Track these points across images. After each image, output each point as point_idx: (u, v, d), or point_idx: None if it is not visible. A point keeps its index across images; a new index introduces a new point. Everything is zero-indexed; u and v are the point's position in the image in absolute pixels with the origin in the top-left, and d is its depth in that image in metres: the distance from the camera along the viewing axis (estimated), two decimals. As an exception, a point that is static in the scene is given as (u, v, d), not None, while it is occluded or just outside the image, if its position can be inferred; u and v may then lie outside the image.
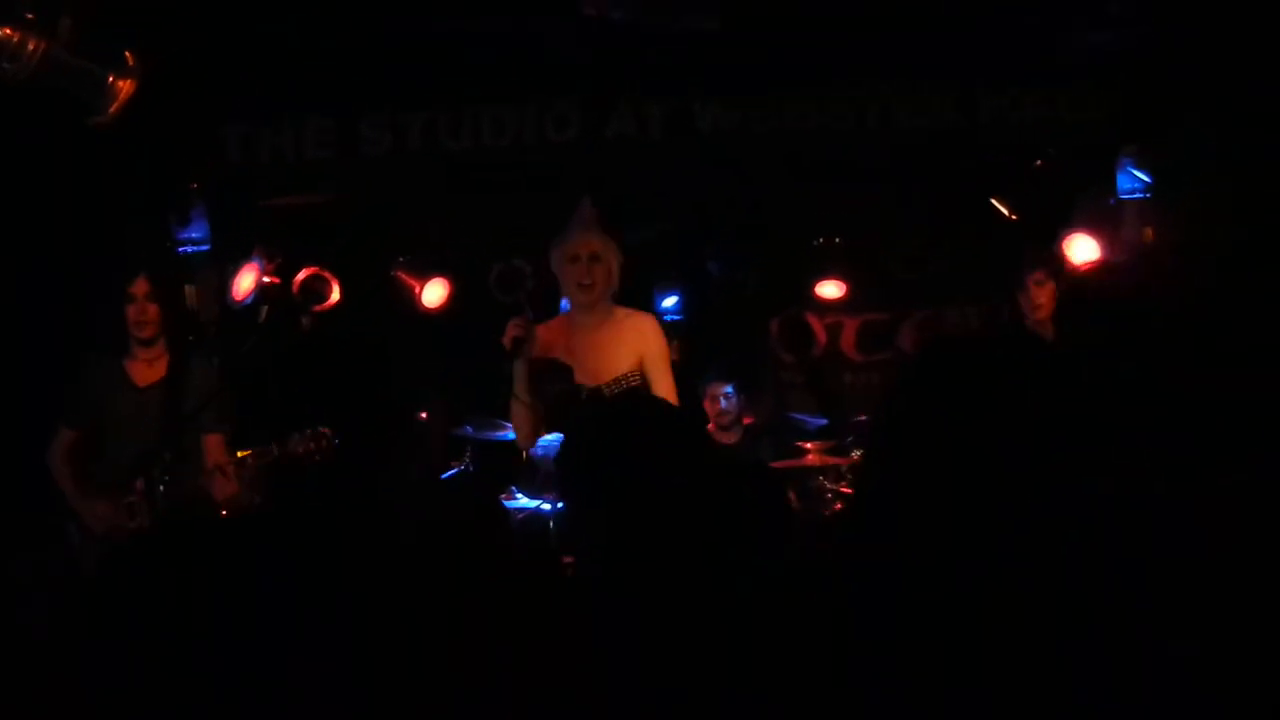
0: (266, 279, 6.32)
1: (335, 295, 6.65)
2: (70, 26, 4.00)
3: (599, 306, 4.39)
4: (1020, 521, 1.59)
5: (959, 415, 1.57)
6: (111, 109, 4.21)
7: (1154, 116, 6.13)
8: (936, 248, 7.17)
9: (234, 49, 5.67)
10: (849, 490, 5.89)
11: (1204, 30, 5.59)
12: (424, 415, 6.25)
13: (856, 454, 6.09)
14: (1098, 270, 6.40)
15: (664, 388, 4.35)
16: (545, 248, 4.57)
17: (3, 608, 4.05)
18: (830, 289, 7.44)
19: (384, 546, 1.96)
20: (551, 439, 4.60)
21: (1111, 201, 6.41)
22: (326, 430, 4.65)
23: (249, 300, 6.23)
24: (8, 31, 3.82)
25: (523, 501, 5.62)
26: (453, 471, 6.23)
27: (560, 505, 4.98)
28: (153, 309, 4.64)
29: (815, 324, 7.84)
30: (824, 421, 6.91)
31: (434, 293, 6.90)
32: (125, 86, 4.23)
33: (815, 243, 7.38)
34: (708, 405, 6.64)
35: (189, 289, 5.86)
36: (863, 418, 6.41)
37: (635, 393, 4.27)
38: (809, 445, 6.22)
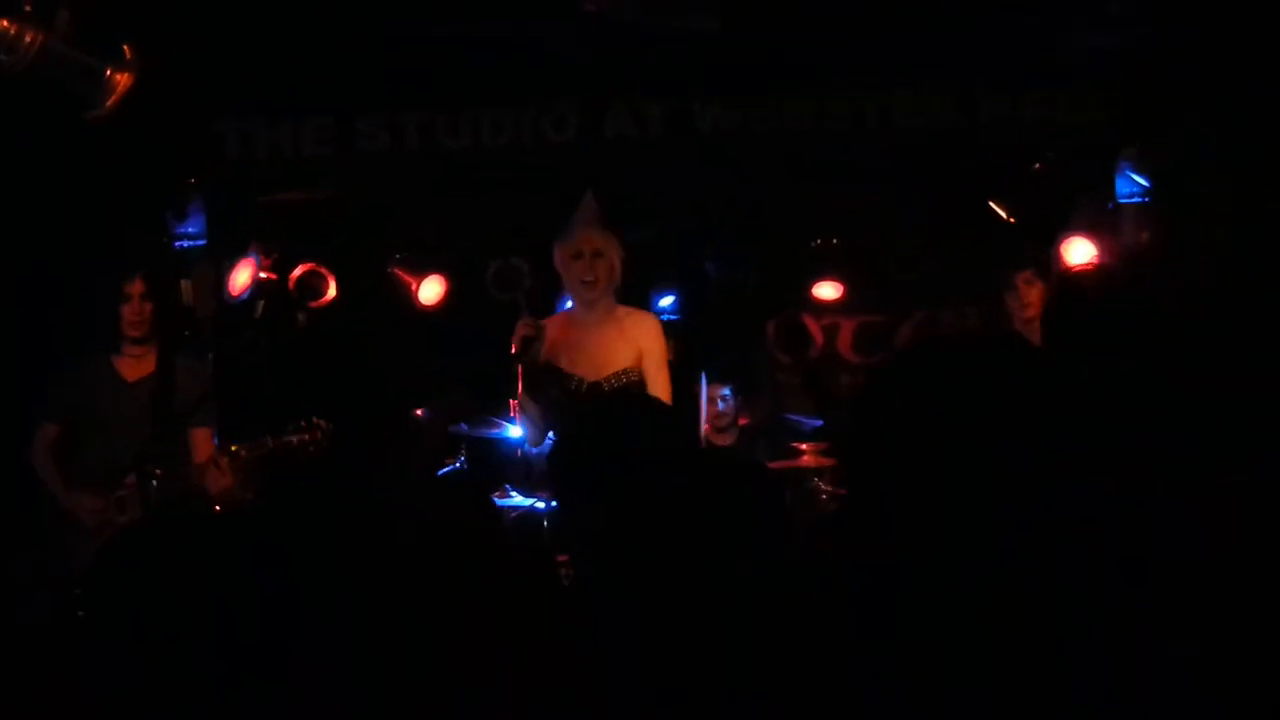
0: (263, 274, 6.31)
1: (331, 291, 6.65)
2: (68, 19, 3.98)
3: (601, 303, 4.43)
4: (1019, 521, 1.58)
5: (946, 415, 1.57)
6: (109, 103, 4.20)
7: (1153, 117, 6.13)
8: (934, 249, 7.17)
9: (233, 44, 5.66)
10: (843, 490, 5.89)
11: (1204, 31, 5.59)
12: (420, 412, 6.23)
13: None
14: (1092, 271, 6.40)
15: (660, 387, 4.39)
16: (549, 245, 4.59)
17: (3, 608, 4.05)
18: (827, 290, 7.44)
19: (380, 544, 1.95)
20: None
21: (1110, 206, 6.41)
22: (321, 421, 4.64)
23: (245, 295, 6.23)
24: (5, 23, 3.80)
25: (517, 500, 5.60)
26: (447, 469, 6.22)
27: (554, 504, 4.97)
28: (148, 308, 4.64)
29: (812, 325, 7.84)
30: (820, 423, 6.91)
31: (430, 290, 6.89)
32: (123, 80, 4.21)
33: (813, 244, 7.37)
34: (708, 407, 6.63)
35: (185, 284, 5.86)
36: None
37: (631, 390, 4.28)
38: (805, 446, 6.22)
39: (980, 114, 6.39)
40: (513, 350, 4.40)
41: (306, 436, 4.63)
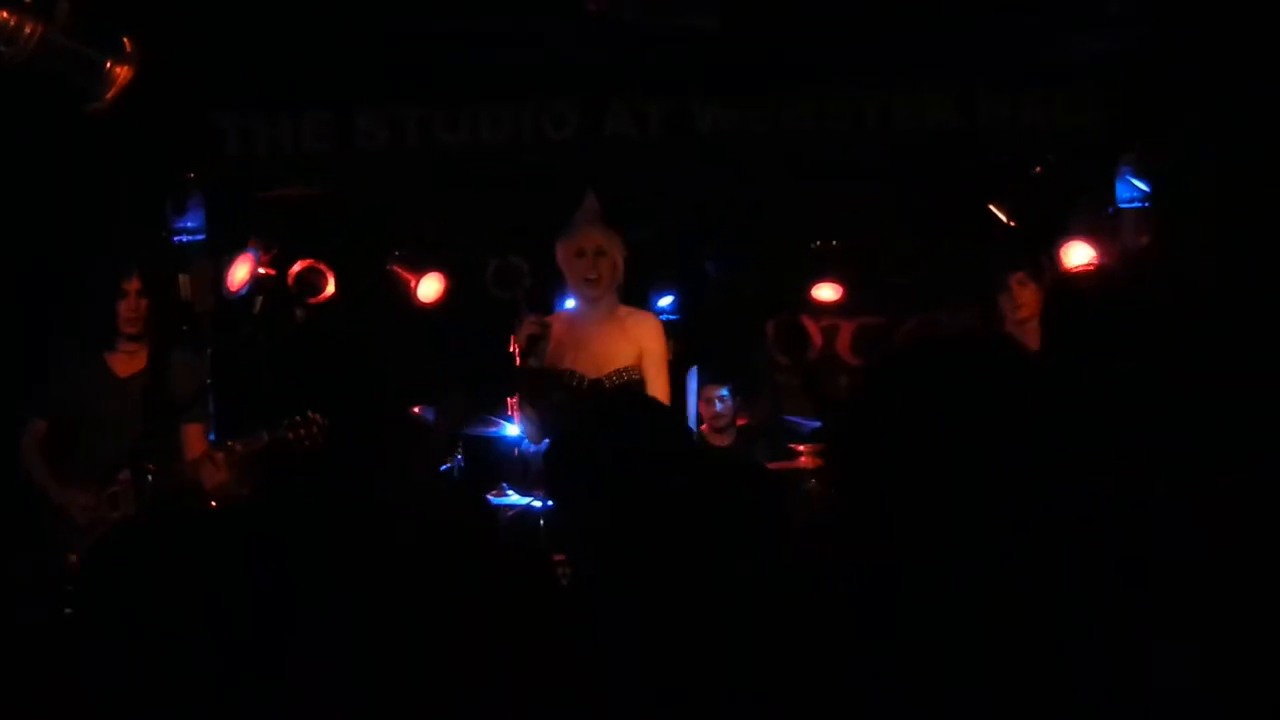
0: (262, 270, 6.31)
1: (330, 288, 6.64)
2: (68, 10, 3.97)
3: (604, 301, 4.46)
4: (1017, 521, 1.57)
5: (937, 415, 1.56)
6: (108, 95, 4.19)
7: (1153, 119, 6.13)
8: (934, 252, 7.16)
9: (233, 39, 5.65)
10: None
11: (1203, 33, 5.59)
12: (417, 410, 6.22)
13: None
14: (1092, 273, 6.40)
15: (659, 387, 4.41)
16: (548, 243, 4.60)
17: (3, 608, 4.03)
18: (827, 292, 7.43)
19: (377, 541, 1.95)
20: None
21: (1110, 210, 6.41)
22: (316, 416, 4.64)
23: (244, 291, 6.22)
24: (4, 14, 3.79)
25: (513, 498, 5.60)
26: (443, 468, 6.21)
27: (550, 503, 4.97)
28: (143, 304, 4.63)
29: (811, 327, 7.84)
30: (819, 424, 6.90)
31: (429, 287, 6.88)
32: (123, 73, 4.20)
33: (813, 245, 7.37)
34: (702, 407, 6.62)
35: (184, 279, 5.85)
36: None
37: (631, 389, 4.30)
38: (803, 448, 6.21)
39: (980, 115, 6.39)
40: (519, 348, 4.42)
41: (302, 431, 4.63)
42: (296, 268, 6.60)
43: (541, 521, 5.31)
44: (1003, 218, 6.74)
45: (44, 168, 5.47)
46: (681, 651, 1.78)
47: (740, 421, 6.81)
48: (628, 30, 5.69)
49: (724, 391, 6.65)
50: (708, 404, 6.62)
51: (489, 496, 5.67)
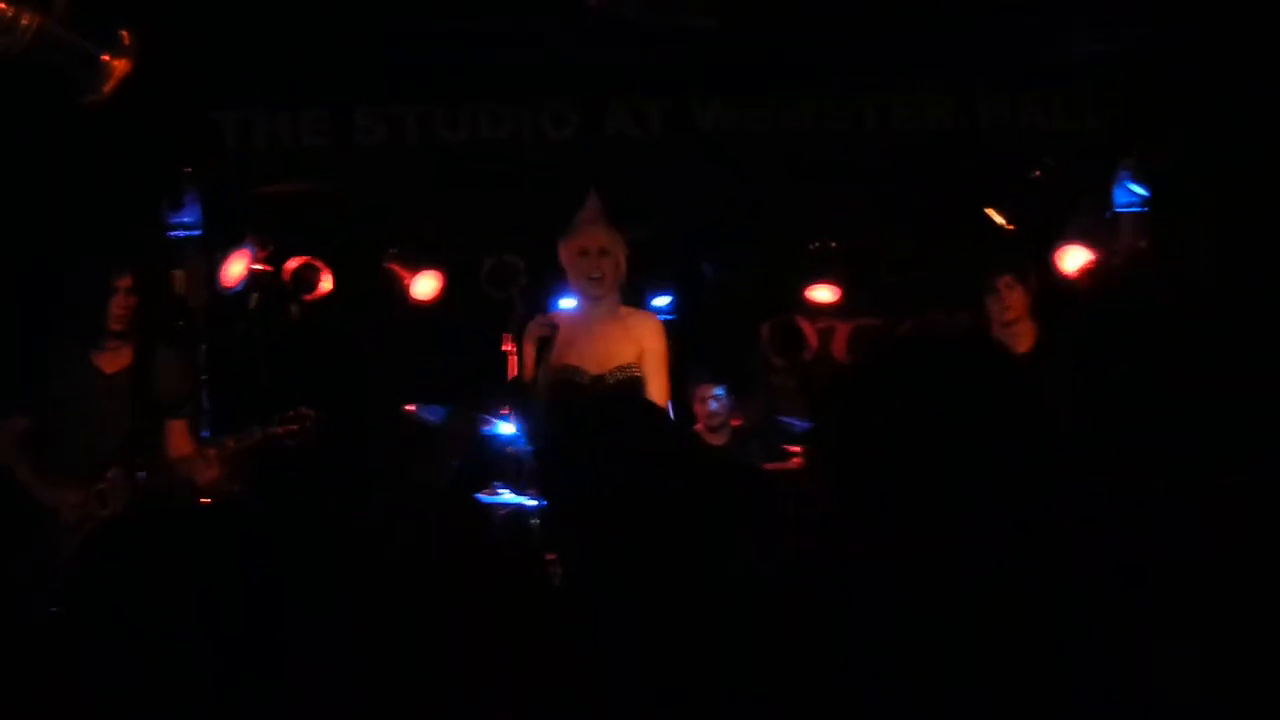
0: (258, 266, 6.29)
1: (326, 285, 6.63)
2: (65, 3, 3.97)
3: (607, 300, 4.50)
4: (1017, 521, 1.56)
5: (932, 414, 1.55)
6: (105, 88, 4.18)
7: (1151, 122, 6.13)
8: (931, 253, 7.15)
9: (233, 33, 5.63)
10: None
11: (1202, 35, 5.60)
12: (411, 408, 6.20)
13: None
14: (1089, 276, 6.40)
15: (658, 386, 4.44)
16: (545, 242, 4.61)
17: (3, 608, 4.01)
18: (823, 293, 7.42)
19: (371, 539, 1.94)
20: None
21: (1108, 214, 6.41)
22: (307, 411, 4.62)
23: (239, 287, 6.21)
24: (1, 6, 3.78)
25: (506, 497, 5.59)
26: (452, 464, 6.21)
27: (543, 501, 4.97)
28: (132, 302, 4.61)
29: (807, 328, 7.83)
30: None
31: (425, 285, 6.87)
32: (120, 66, 4.20)
33: (810, 246, 7.36)
34: (697, 407, 6.62)
35: (179, 274, 5.83)
36: None
37: (631, 386, 4.32)
38: (797, 449, 6.20)
39: (979, 117, 6.39)
40: (530, 351, 4.43)
41: (294, 427, 4.61)
42: (292, 264, 6.58)
43: (534, 521, 5.31)
44: (999, 221, 6.73)
45: (39, 162, 5.45)
46: (676, 652, 1.78)
47: (735, 422, 6.80)
48: (627, 30, 5.69)
49: (719, 391, 6.64)
50: (703, 404, 6.61)
51: (482, 495, 5.66)
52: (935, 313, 7.36)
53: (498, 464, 5.81)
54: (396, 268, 6.86)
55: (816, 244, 7.32)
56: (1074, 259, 6.41)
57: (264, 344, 6.34)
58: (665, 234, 7.00)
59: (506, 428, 5.62)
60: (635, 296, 5.94)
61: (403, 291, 6.85)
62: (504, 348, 6.19)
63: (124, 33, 4.20)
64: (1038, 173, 6.57)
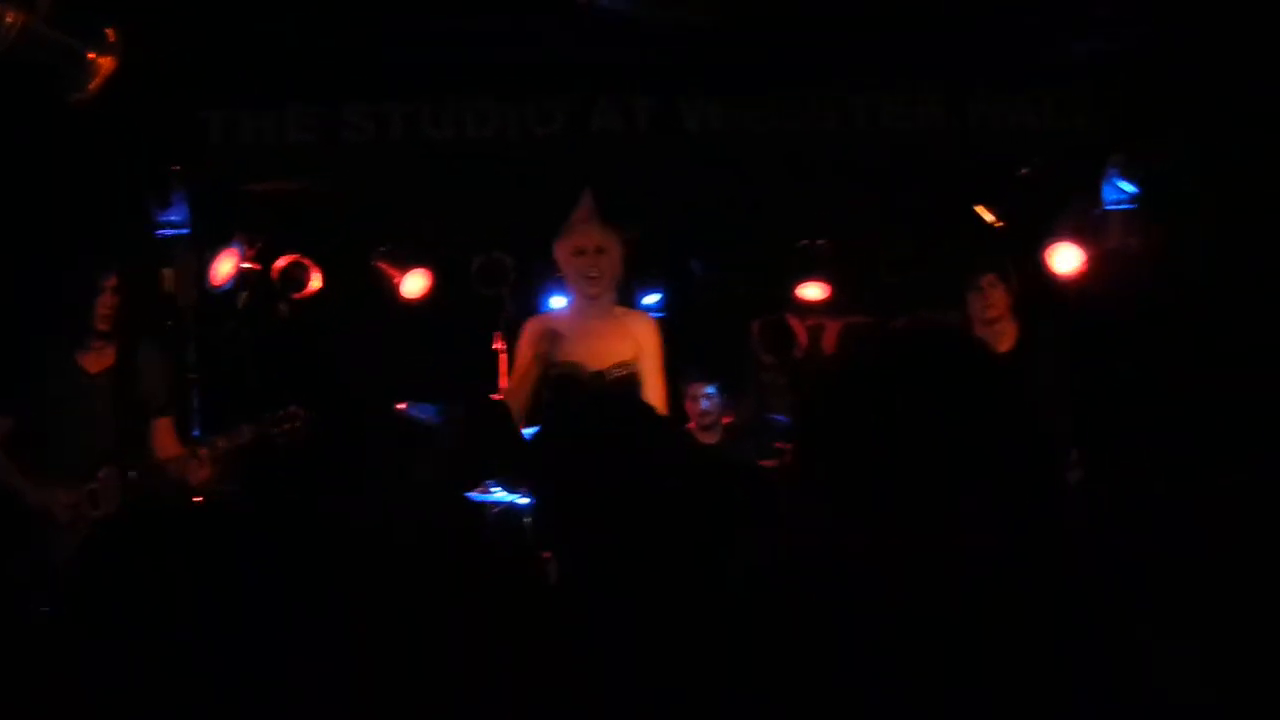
0: (246, 264, 6.27)
1: (315, 283, 6.61)
2: (50, 1, 3.94)
3: (604, 298, 4.51)
4: (1017, 521, 1.56)
5: (923, 412, 1.54)
6: (91, 86, 4.16)
7: (1143, 121, 6.14)
8: (921, 251, 7.16)
9: (220, 31, 5.61)
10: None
11: (1193, 35, 5.61)
12: (401, 406, 6.19)
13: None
14: (1079, 276, 6.41)
15: (655, 385, 4.48)
16: (534, 240, 4.61)
17: (2, 608, 3.99)
18: (813, 291, 7.42)
19: (363, 538, 1.93)
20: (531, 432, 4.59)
21: (1098, 212, 6.42)
22: (299, 410, 4.62)
23: (228, 286, 6.19)
24: (-13, 4, 3.75)
25: (499, 495, 5.57)
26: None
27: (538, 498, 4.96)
28: (117, 301, 4.59)
29: (797, 325, 7.82)
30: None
31: (414, 283, 6.85)
32: (106, 64, 4.18)
33: (800, 244, 7.36)
34: (689, 405, 6.62)
35: (167, 273, 5.81)
36: None
37: (629, 382, 4.35)
38: (788, 446, 6.20)
39: (970, 116, 6.39)
40: (537, 358, 4.44)
41: (285, 426, 4.61)
42: (281, 262, 6.57)
43: (527, 519, 5.29)
44: (989, 218, 6.74)
45: (24, 161, 5.42)
46: (673, 651, 1.77)
47: (726, 420, 6.81)
48: (616, 27, 5.68)
49: (711, 389, 6.64)
50: (694, 402, 6.62)
51: (474, 494, 5.65)
52: (925, 311, 7.38)
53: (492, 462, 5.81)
54: (385, 266, 6.84)
55: (806, 241, 7.32)
56: (1064, 256, 6.43)
57: (253, 342, 6.32)
58: (654, 232, 6.99)
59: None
60: (624, 294, 5.94)
61: (392, 289, 6.83)
62: (494, 346, 6.19)
63: (109, 30, 4.18)
64: (1025, 170, 6.58)
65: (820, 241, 7.33)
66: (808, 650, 1.59)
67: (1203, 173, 5.88)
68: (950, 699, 1.46)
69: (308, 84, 6.11)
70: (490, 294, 6.81)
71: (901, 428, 1.55)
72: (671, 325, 7.03)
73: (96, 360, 4.63)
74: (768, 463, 6.10)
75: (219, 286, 6.15)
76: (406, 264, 6.84)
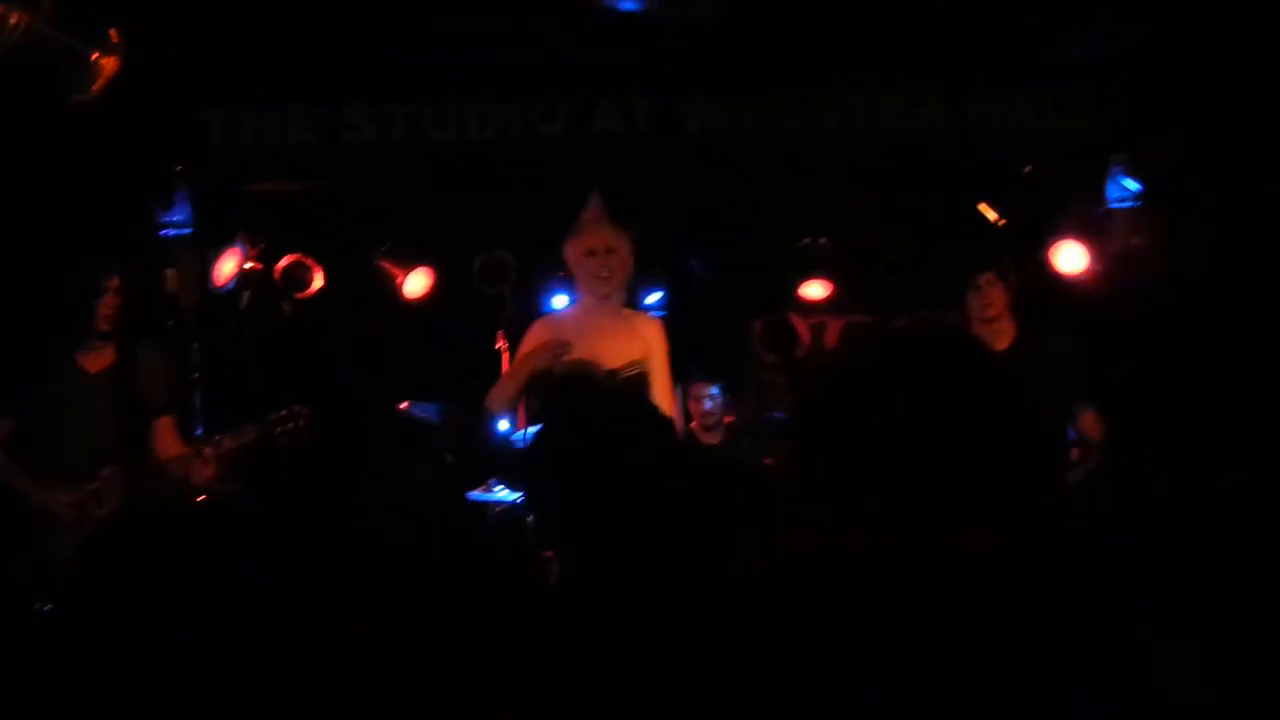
0: (249, 264, 6.28)
1: (317, 282, 6.62)
2: (53, 1, 3.94)
3: (614, 298, 4.52)
4: (1018, 521, 1.56)
5: (924, 412, 1.54)
6: (94, 87, 4.16)
7: (1145, 121, 6.14)
8: (922, 251, 7.16)
9: (222, 31, 5.61)
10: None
11: (1194, 34, 5.61)
12: (404, 405, 6.20)
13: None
14: (1083, 275, 6.41)
15: (663, 385, 4.49)
16: (536, 239, 4.62)
17: (4, 607, 3.99)
18: (815, 289, 7.43)
19: (369, 539, 1.94)
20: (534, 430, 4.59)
21: (1101, 210, 6.42)
22: (302, 410, 4.62)
23: (230, 285, 6.20)
24: (-10, 5, 3.76)
25: (501, 494, 5.58)
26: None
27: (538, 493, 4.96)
28: (119, 302, 4.59)
29: (799, 324, 7.83)
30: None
31: (416, 282, 6.86)
32: (109, 64, 4.18)
33: (801, 243, 7.36)
34: (691, 405, 6.62)
35: (170, 273, 5.81)
36: None
37: (644, 382, 4.38)
38: (787, 445, 6.20)
39: (970, 116, 6.39)
40: (547, 363, 4.46)
41: (289, 425, 4.60)
42: (283, 262, 6.57)
43: (530, 518, 5.30)
44: (992, 216, 6.74)
45: (27, 162, 5.43)
46: (674, 650, 1.77)
47: (728, 419, 6.81)
48: (618, 27, 5.68)
49: (714, 390, 6.65)
50: (697, 402, 6.62)
51: (476, 493, 5.66)
52: (926, 310, 7.38)
53: (493, 460, 5.82)
54: (387, 265, 6.85)
55: (807, 241, 7.32)
56: (1067, 255, 6.42)
57: (255, 342, 6.33)
58: (656, 231, 6.99)
59: (502, 424, 5.61)
60: (628, 294, 5.94)
61: (394, 289, 6.84)
62: (496, 345, 6.19)
63: (112, 31, 4.18)
64: (1028, 169, 6.58)
65: (821, 241, 7.33)
66: (808, 650, 1.59)
67: (1204, 171, 5.88)
68: (950, 699, 1.47)
69: (310, 85, 6.11)
70: (492, 293, 6.81)
71: (900, 427, 1.55)
72: (673, 325, 7.05)
73: (96, 360, 4.63)
74: (768, 461, 6.11)
75: (221, 286, 6.15)
76: (408, 263, 6.84)
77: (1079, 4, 5.82)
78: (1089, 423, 5.10)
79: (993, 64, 6.20)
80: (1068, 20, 5.88)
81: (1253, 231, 5.65)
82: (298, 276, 6.57)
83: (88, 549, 1.78)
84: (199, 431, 5.35)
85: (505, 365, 5.90)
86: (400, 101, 6.25)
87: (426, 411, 6.31)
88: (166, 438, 4.67)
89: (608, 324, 4.55)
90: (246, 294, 6.32)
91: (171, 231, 5.83)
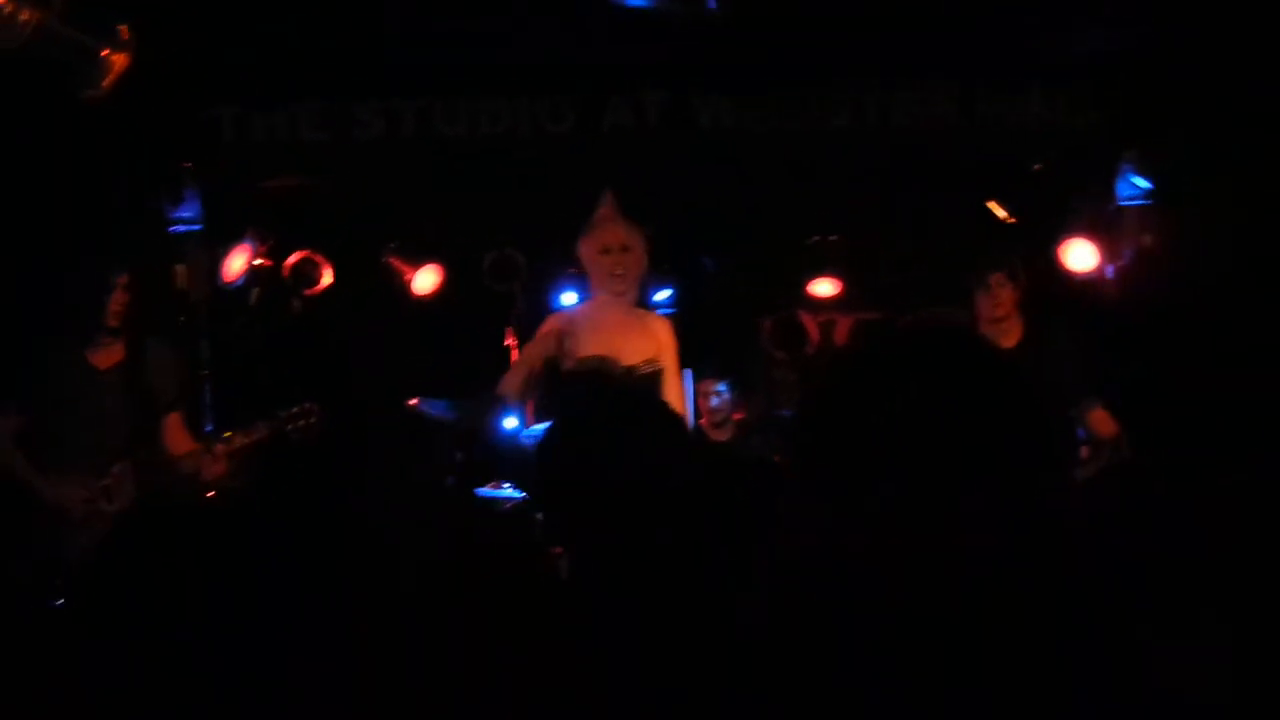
0: (258, 261, 6.28)
1: (327, 279, 6.63)
2: (64, -2, 3.96)
3: (628, 296, 4.55)
4: (1020, 520, 1.56)
5: (929, 409, 1.54)
6: (105, 83, 4.17)
7: (1154, 118, 6.12)
8: (932, 248, 7.15)
9: (231, 28, 5.62)
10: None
11: (1203, 32, 5.58)
12: (413, 402, 6.20)
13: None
14: (1092, 274, 6.40)
15: (674, 383, 4.53)
16: (546, 237, 4.63)
17: (3, 607, 4.01)
18: (824, 287, 7.43)
19: (378, 535, 1.94)
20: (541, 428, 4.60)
21: (1112, 208, 6.40)
22: (314, 407, 4.63)
23: (240, 282, 6.21)
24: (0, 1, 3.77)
25: (509, 491, 5.59)
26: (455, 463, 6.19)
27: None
28: (129, 298, 4.60)
29: (808, 322, 7.83)
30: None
31: (426, 279, 6.86)
32: (119, 60, 4.19)
33: (811, 241, 7.36)
34: (700, 402, 6.62)
35: (180, 269, 5.83)
36: None
37: (660, 380, 4.41)
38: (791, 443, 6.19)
39: (979, 114, 6.38)
40: (550, 357, 4.47)
41: (301, 423, 4.61)
42: (293, 259, 6.58)
43: (538, 515, 5.30)
44: (1001, 214, 6.73)
45: (38, 158, 5.44)
46: (676, 649, 1.77)
47: (737, 416, 6.81)
48: (628, 22, 5.67)
49: (721, 387, 6.65)
50: (705, 399, 6.62)
51: (486, 490, 5.66)
52: (934, 308, 7.37)
53: (502, 457, 5.82)
54: (397, 262, 6.85)
55: (817, 238, 7.32)
56: (1078, 253, 6.41)
57: (265, 338, 6.34)
58: (665, 229, 6.99)
59: (511, 421, 5.62)
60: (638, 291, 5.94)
61: (403, 286, 6.84)
62: (506, 342, 6.20)
63: (123, 27, 4.20)
64: (1038, 166, 6.57)
65: (831, 238, 7.33)
66: (807, 650, 1.59)
67: (1211, 170, 5.86)
68: (950, 699, 1.47)
69: (320, 82, 6.12)
70: (502, 290, 6.83)
71: (904, 424, 1.55)
72: (682, 322, 7.05)
73: (106, 356, 4.64)
74: (778, 459, 6.11)
75: (231, 283, 6.16)
76: (418, 260, 6.85)
77: (1090, 2, 5.81)
78: (1098, 420, 5.10)
79: (1003, 61, 6.19)
80: (1078, 17, 5.86)
81: (1259, 228, 5.63)
82: (307, 273, 6.58)
83: (105, 546, 1.79)
84: (209, 427, 5.37)
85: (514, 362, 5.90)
86: (410, 99, 6.26)
87: (436, 408, 6.32)
88: (176, 434, 4.69)
89: (623, 321, 4.57)
90: (256, 290, 6.33)
91: (181, 228, 5.84)
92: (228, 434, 4.67)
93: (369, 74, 6.12)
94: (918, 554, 1.54)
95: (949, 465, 1.53)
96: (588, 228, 4.64)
